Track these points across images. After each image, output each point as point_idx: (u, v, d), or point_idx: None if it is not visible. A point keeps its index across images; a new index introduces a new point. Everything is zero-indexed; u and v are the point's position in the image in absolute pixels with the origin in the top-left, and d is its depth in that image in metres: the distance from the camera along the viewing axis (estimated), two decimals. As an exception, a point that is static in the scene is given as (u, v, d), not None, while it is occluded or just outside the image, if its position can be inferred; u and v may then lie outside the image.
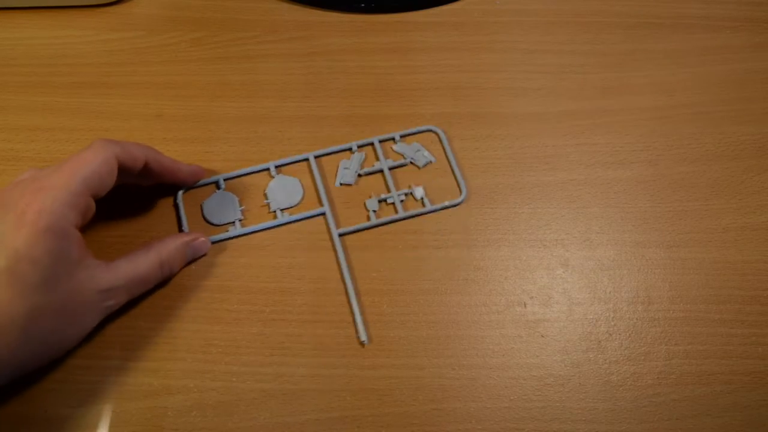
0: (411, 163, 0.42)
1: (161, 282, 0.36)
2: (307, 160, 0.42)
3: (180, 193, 0.40)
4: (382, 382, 0.34)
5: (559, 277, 0.38)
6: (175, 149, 0.42)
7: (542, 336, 0.36)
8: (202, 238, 0.37)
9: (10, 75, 0.45)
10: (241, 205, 0.39)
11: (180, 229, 0.38)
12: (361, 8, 0.49)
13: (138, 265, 0.33)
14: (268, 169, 0.41)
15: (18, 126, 0.42)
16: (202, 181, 0.40)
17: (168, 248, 0.35)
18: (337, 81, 0.46)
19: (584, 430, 0.34)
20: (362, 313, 0.36)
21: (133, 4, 0.49)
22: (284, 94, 0.45)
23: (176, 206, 0.39)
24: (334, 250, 0.38)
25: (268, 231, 0.39)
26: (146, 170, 0.35)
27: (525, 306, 0.37)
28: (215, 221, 0.39)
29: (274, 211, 0.39)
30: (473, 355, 0.36)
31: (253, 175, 0.41)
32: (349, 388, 0.34)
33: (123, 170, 0.34)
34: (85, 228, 0.34)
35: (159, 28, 0.48)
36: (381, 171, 0.42)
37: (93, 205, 0.32)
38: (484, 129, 0.44)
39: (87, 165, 0.31)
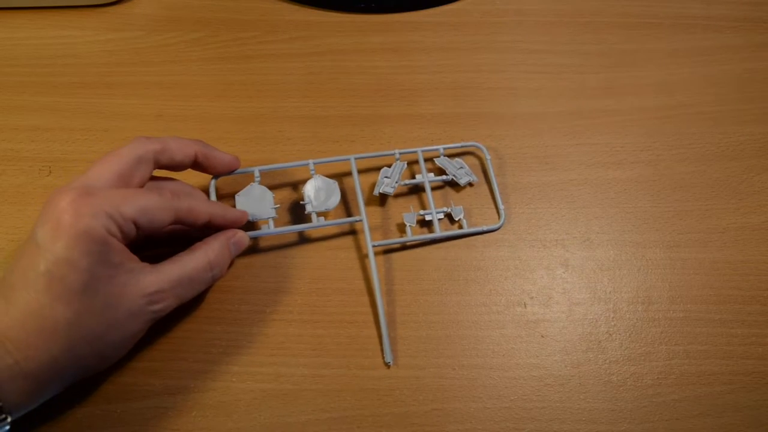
0: (453, 180, 0.40)
1: (211, 284, 0.35)
2: (347, 161, 0.40)
3: (213, 181, 0.37)
4: (382, 382, 0.35)
5: (559, 277, 0.38)
6: (175, 149, 0.41)
7: (542, 336, 0.36)
8: (241, 233, 0.36)
9: (11, 75, 0.45)
10: (275, 203, 0.37)
11: None
12: (361, 8, 0.49)
13: (185, 266, 0.32)
14: (306, 165, 0.39)
15: (18, 126, 0.42)
16: (237, 171, 0.38)
17: (213, 248, 0.34)
18: (337, 81, 0.46)
19: (584, 430, 0.34)
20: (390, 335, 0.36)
21: (133, 4, 0.49)
22: (284, 94, 0.45)
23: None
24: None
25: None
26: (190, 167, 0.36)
27: (525, 306, 0.37)
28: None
29: (309, 213, 0.37)
30: (473, 355, 0.36)
31: (290, 170, 0.40)
32: (349, 388, 0.34)
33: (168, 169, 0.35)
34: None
35: (159, 28, 0.48)
36: (421, 184, 0.40)
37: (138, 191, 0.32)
38: (484, 129, 0.44)
39: (119, 161, 0.31)
